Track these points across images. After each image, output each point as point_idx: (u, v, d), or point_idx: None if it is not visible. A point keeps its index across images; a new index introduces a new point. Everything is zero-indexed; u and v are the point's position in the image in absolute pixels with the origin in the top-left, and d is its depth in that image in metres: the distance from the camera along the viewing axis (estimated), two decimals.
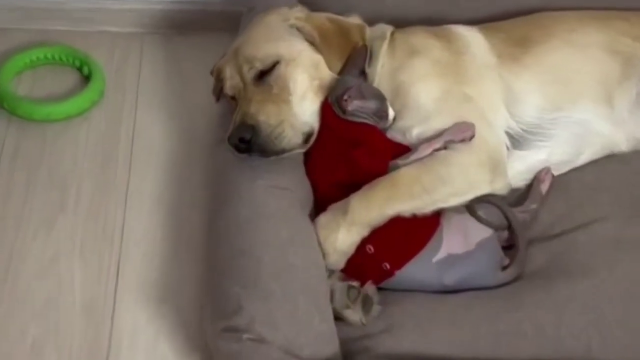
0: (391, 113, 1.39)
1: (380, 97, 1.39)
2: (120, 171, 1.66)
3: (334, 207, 1.33)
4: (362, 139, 1.36)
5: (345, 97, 1.36)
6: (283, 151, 1.36)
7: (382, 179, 1.33)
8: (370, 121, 1.37)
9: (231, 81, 1.44)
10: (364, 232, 1.30)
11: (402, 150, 1.39)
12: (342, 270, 1.31)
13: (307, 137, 1.40)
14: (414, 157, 1.36)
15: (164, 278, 1.45)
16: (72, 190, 1.61)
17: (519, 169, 1.45)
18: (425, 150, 1.36)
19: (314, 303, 1.20)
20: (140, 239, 1.53)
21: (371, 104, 1.37)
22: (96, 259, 1.48)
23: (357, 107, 1.36)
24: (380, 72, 1.46)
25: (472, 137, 1.35)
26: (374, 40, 1.50)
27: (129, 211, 1.58)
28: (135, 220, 1.56)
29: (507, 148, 1.44)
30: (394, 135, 1.41)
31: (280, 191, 1.33)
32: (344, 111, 1.36)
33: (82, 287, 1.43)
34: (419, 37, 1.51)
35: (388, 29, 1.53)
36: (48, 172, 1.64)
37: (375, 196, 1.31)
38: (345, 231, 1.29)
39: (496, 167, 1.38)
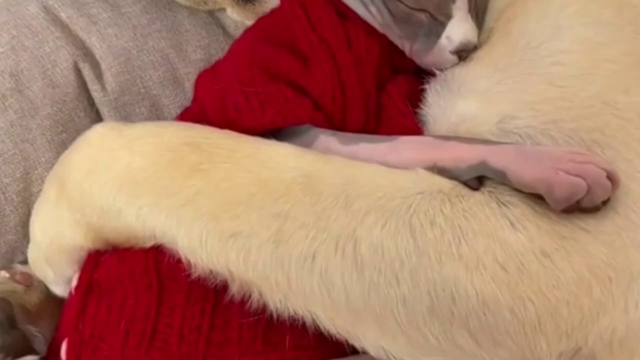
0: (462, 32, 0.54)
1: None
2: None
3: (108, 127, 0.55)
4: (301, 41, 0.55)
5: None
6: None
7: (252, 140, 0.52)
8: (374, 19, 0.56)
9: None
10: (87, 231, 0.52)
11: (394, 123, 0.55)
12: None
13: None
14: (372, 148, 0.52)
15: None
16: None
17: None
18: (412, 151, 0.51)
19: None
20: None
21: None
22: None
23: None
24: None
25: (601, 199, 0.46)
26: None
27: None
28: None
29: None
30: (436, 90, 0.54)
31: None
32: None
33: None
34: None
35: None
36: None
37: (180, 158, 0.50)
38: (55, 187, 0.54)
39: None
